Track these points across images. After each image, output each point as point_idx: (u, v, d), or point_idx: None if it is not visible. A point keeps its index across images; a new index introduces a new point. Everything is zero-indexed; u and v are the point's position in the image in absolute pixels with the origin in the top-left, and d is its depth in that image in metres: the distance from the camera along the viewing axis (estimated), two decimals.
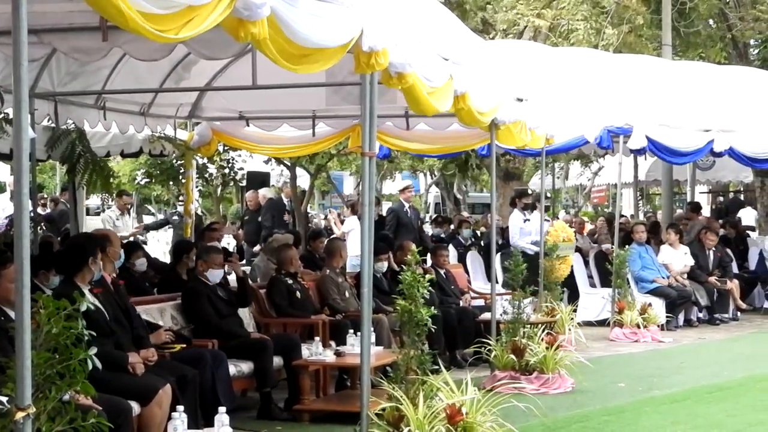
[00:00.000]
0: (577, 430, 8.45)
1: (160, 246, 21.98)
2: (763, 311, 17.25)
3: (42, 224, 14.86)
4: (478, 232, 18.63)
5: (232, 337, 8.92)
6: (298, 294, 10.35)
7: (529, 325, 10.63)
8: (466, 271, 14.98)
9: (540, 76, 13.85)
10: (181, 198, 15.16)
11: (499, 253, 14.04)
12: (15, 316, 4.33)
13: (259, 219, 17.96)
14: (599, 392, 10.05)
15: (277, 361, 9.05)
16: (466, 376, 7.28)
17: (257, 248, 16.33)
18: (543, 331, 10.57)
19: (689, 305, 15.80)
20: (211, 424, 6.53)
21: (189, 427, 6.31)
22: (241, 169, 22.73)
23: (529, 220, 14.74)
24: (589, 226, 23.02)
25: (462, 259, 15.87)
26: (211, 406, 7.17)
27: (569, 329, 12.58)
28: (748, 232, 20.76)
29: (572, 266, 15.18)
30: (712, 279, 16.30)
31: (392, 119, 12.99)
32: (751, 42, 25.80)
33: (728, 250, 17.57)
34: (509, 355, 10.04)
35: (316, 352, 9.06)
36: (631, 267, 14.96)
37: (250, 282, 10.51)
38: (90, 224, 18.45)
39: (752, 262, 18.21)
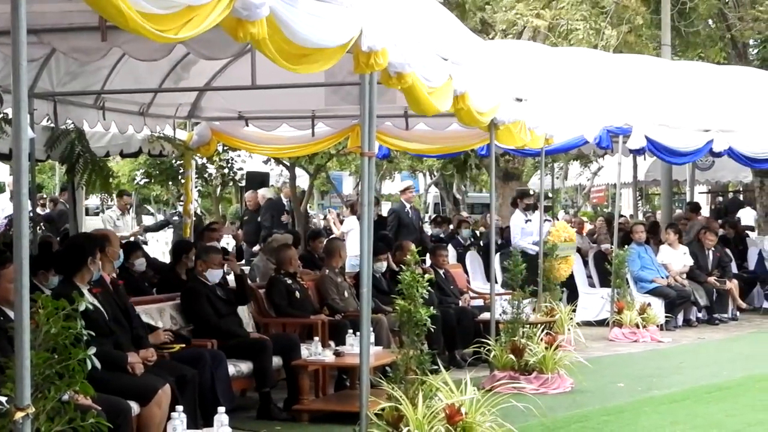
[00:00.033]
0: (576, 430, 8.45)
1: (159, 246, 21.99)
2: (762, 311, 17.25)
3: (41, 224, 14.84)
4: (478, 232, 18.62)
5: (232, 337, 8.92)
6: (297, 294, 10.35)
7: (528, 325, 10.63)
8: (466, 271, 14.98)
9: (539, 76, 13.84)
10: (182, 198, 15.16)
11: (498, 253, 14.05)
12: (14, 316, 4.32)
13: (259, 219, 17.97)
14: (598, 392, 10.05)
15: (277, 361, 9.05)
16: (466, 376, 7.28)
17: (256, 248, 16.33)
18: (542, 331, 10.57)
19: (688, 305, 15.81)
20: (210, 424, 6.53)
21: (188, 427, 6.31)
22: (241, 169, 22.72)
23: (530, 220, 14.73)
24: (588, 226, 23.04)
25: (461, 259, 15.86)
26: (211, 406, 7.17)
27: (568, 329, 12.58)
28: (747, 232, 20.76)
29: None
30: (712, 279, 16.30)
31: (391, 119, 13.00)
32: (751, 42, 25.81)
33: (727, 250, 17.58)
34: (508, 355, 10.04)
35: (315, 352, 9.07)
36: (630, 267, 14.96)
37: (249, 282, 10.52)
38: (89, 224, 18.47)
39: (751, 262, 18.21)
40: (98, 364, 4.77)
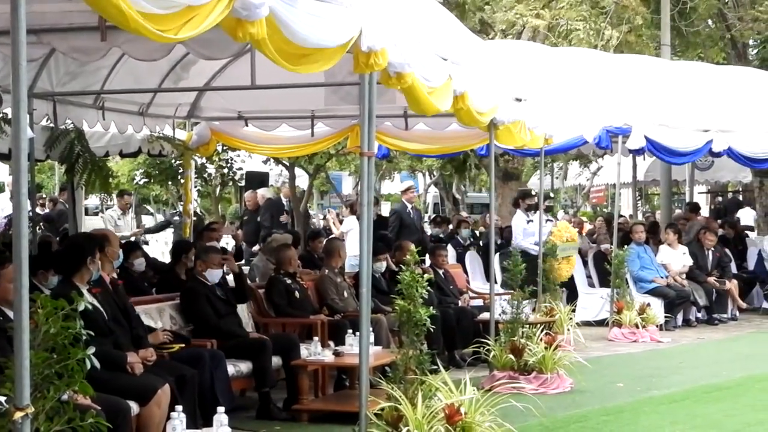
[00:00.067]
0: (575, 430, 8.45)
1: (159, 246, 21.98)
2: (761, 311, 17.24)
3: (40, 224, 14.87)
4: (477, 232, 18.62)
5: (231, 336, 8.91)
6: (296, 294, 10.35)
7: (527, 325, 10.63)
8: (465, 271, 14.98)
9: (539, 76, 13.85)
10: (182, 198, 15.17)
11: (497, 253, 14.04)
12: (13, 316, 4.33)
13: (258, 219, 17.96)
14: (598, 392, 10.05)
15: (276, 361, 9.05)
16: (465, 376, 7.28)
17: (256, 248, 16.33)
18: (542, 331, 10.57)
19: (688, 305, 15.81)
20: (209, 423, 6.54)
21: (188, 427, 6.32)
22: (240, 169, 22.73)
23: (532, 221, 14.71)
24: (587, 226, 23.04)
25: (461, 259, 15.86)
26: (210, 405, 7.18)
27: (568, 329, 12.58)
28: (746, 232, 20.77)
29: None
30: (711, 279, 16.29)
31: (391, 119, 13.00)
32: (750, 42, 25.83)
33: (727, 251, 17.57)
34: (508, 355, 10.04)
35: (314, 352, 9.07)
36: (629, 267, 14.96)
37: (249, 282, 10.52)
38: (89, 224, 18.44)
39: (751, 262, 18.21)
40: (97, 364, 4.77)
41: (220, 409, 6.46)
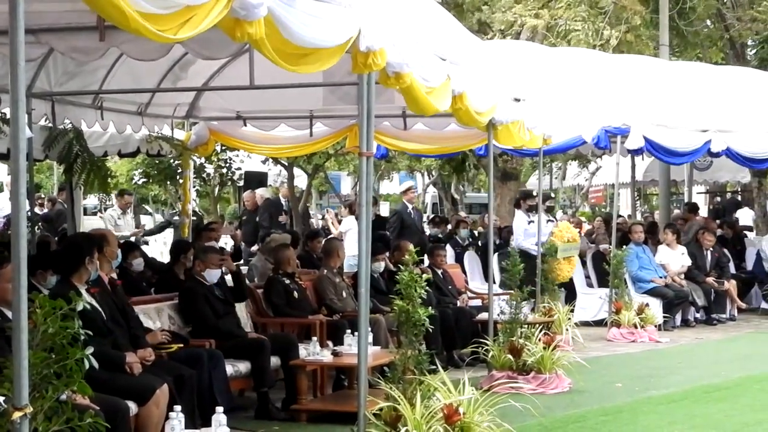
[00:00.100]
0: (574, 430, 8.45)
1: (157, 246, 21.97)
2: (760, 311, 17.25)
3: (39, 224, 14.85)
4: (476, 232, 18.62)
5: (230, 337, 8.91)
6: (295, 294, 10.34)
7: (526, 325, 10.63)
8: (464, 271, 14.98)
9: (537, 76, 13.86)
10: (181, 198, 15.18)
11: (496, 254, 14.05)
12: (12, 316, 4.32)
13: (257, 219, 17.96)
14: (596, 392, 10.05)
15: (275, 361, 9.05)
16: (464, 376, 7.28)
17: (255, 248, 16.33)
18: (540, 331, 10.57)
19: (686, 305, 15.81)
20: (208, 423, 6.54)
21: (186, 427, 6.32)
22: (239, 169, 22.74)
23: (533, 221, 14.73)
24: (586, 227, 23.03)
25: (459, 259, 15.86)
26: (209, 405, 7.18)
27: (566, 329, 12.58)
28: (745, 232, 20.78)
29: None
30: (710, 279, 16.30)
31: (390, 119, 13.00)
32: (749, 42, 25.84)
33: (725, 251, 17.58)
34: (506, 355, 10.04)
35: (313, 352, 9.06)
36: (628, 267, 14.96)
37: (248, 282, 10.52)
38: (87, 224, 18.46)
39: (749, 263, 18.22)
40: (96, 364, 4.77)
41: (219, 409, 6.46)
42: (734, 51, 24.71)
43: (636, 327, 14.08)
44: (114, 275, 8.33)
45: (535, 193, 16.41)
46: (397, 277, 7.12)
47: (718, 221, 20.27)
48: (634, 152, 15.06)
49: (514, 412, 7.61)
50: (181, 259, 10.32)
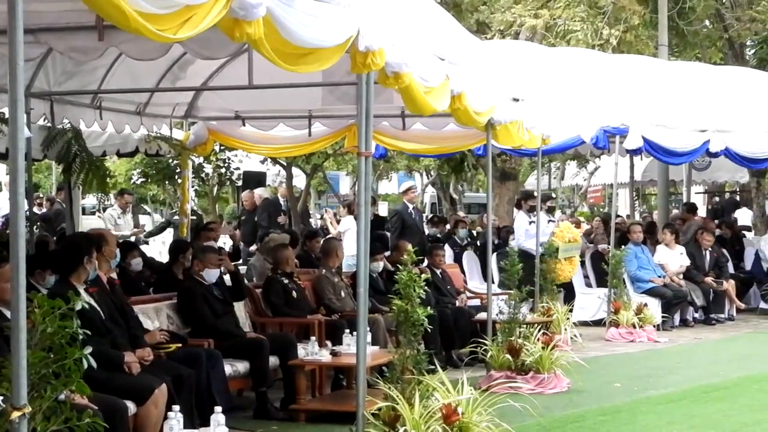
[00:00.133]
0: (573, 430, 8.45)
1: (156, 245, 21.98)
2: (759, 311, 17.26)
3: (38, 224, 14.85)
4: (474, 232, 18.63)
5: (228, 336, 8.91)
6: (294, 294, 10.34)
7: (525, 325, 10.63)
8: (463, 271, 14.98)
9: (536, 76, 13.87)
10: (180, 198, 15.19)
11: (495, 253, 14.05)
12: (11, 316, 4.32)
13: (256, 219, 17.96)
14: (595, 392, 10.05)
15: (273, 360, 9.04)
16: (462, 376, 7.29)
17: (253, 248, 16.33)
18: (539, 331, 10.57)
19: (685, 305, 15.82)
20: (207, 423, 6.54)
21: (185, 427, 6.32)
22: (237, 168, 22.76)
23: (534, 222, 14.73)
24: (585, 226, 23.02)
25: (458, 259, 15.87)
26: (207, 405, 7.18)
27: (565, 329, 12.59)
28: (743, 232, 20.79)
29: None
30: (708, 279, 16.30)
31: (388, 119, 13.00)
32: (748, 42, 25.86)
33: (724, 251, 17.59)
34: (505, 355, 10.04)
35: (312, 351, 9.06)
36: (627, 267, 14.97)
37: (246, 282, 10.51)
38: (86, 224, 18.46)
39: (748, 263, 18.23)
40: (94, 364, 4.77)
41: (218, 408, 6.46)
42: (733, 51, 24.72)
43: (635, 327, 14.08)
44: (113, 275, 8.33)
45: (534, 194, 16.41)
46: (396, 276, 7.12)
47: (716, 221, 20.27)
48: (633, 152, 15.08)
49: (513, 411, 7.62)
50: (180, 258, 10.31)
